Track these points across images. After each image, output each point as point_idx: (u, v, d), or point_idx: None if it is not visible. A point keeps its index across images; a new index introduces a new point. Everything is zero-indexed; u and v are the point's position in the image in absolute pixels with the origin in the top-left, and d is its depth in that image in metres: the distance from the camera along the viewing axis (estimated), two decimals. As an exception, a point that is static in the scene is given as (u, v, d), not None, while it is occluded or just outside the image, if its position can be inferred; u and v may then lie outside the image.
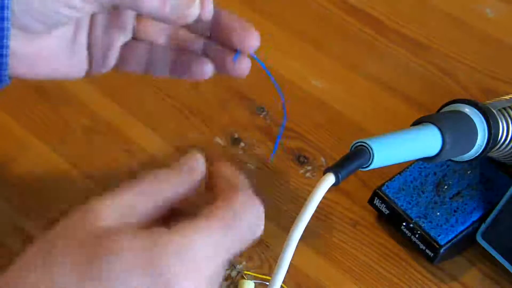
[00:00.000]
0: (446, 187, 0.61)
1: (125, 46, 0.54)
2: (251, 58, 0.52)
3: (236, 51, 0.52)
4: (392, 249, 0.61)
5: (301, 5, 0.78)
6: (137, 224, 0.40)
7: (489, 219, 0.58)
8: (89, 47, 0.53)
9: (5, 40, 0.47)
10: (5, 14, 0.46)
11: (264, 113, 0.69)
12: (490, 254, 0.58)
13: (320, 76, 0.72)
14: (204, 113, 0.70)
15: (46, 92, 0.71)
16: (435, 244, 0.58)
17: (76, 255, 0.38)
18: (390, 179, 0.61)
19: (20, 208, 0.64)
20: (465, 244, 0.60)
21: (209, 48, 0.53)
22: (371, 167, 0.46)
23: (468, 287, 0.59)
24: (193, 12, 0.49)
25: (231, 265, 0.60)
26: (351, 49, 0.74)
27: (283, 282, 0.44)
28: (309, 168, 0.66)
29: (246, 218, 0.41)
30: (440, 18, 0.77)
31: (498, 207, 0.58)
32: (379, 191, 0.61)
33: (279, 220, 0.62)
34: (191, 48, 0.54)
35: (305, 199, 0.63)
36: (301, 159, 0.66)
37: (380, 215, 0.61)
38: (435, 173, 0.61)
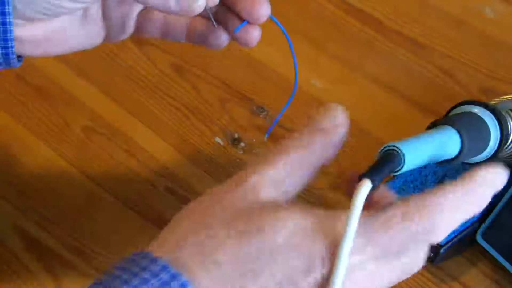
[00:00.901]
0: (446, 187, 0.60)
1: (142, 12, 0.53)
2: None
3: (243, 21, 0.51)
4: (392, 249, 0.61)
5: (301, 5, 0.78)
6: (285, 200, 0.41)
7: (489, 219, 0.58)
8: (104, 19, 0.52)
9: (9, 34, 0.47)
10: (6, 10, 0.46)
11: (264, 113, 0.69)
12: (490, 254, 0.58)
13: (320, 76, 0.72)
14: (204, 113, 0.70)
15: (46, 92, 0.71)
16: (435, 244, 0.58)
17: (234, 222, 0.38)
18: (390, 179, 0.61)
19: (20, 208, 0.64)
20: (465, 244, 0.60)
21: (220, 14, 0.52)
22: (402, 170, 0.46)
23: (468, 287, 0.59)
24: (199, 6, 0.48)
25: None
26: (351, 49, 0.74)
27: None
28: (309, 168, 0.66)
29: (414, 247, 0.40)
30: (440, 18, 0.76)
31: (498, 207, 0.58)
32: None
33: (279, 220, 0.62)
34: (204, 13, 0.52)
35: (305, 199, 0.63)
36: (301, 159, 0.66)
37: (380, 215, 0.61)
38: (435, 173, 0.61)
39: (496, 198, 0.59)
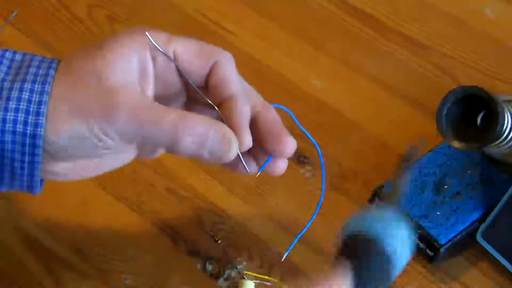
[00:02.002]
0: (446, 186, 0.61)
1: None
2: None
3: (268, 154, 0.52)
4: (392, 249, 0.61)
5: (301, 5, 0.78)
6: None
7: (489, 219, 0.58)
8: (138, 148, 0.51)
9: (36, 173, 0.48)
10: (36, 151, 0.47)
11: (264, 113, 0.69)
12: (490, 254, 0.58)
13: (320, 76, 0.72)
14: (204, 113, 0.70)
15: (46, 92, 0.71)
16: (435, 243, 0.58)
17: None
18: (390, 179, 0.61)
19: (20, 208, 0.64)
20: (465, 244, 0.60)
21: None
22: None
23: (468, 287, 0.59)
24: (232, 156, 0.49)
25: (231, 265, 0.60)
26: (351, 49, 0.74)
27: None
28: (309, 168, 0.66)
29: None
30: (440, 18, 0.77)
31: (498, 207, 0.58)
32: (379, 191, 0.61)
33: (280, 220, 0.62)
34: None
35: (305, 200, 0.63)
36: (301, 159, 0.66)
37: (380, 215, 0.61)
38: (435, 173, 0.61)
39: (496, 198, 0.59)
